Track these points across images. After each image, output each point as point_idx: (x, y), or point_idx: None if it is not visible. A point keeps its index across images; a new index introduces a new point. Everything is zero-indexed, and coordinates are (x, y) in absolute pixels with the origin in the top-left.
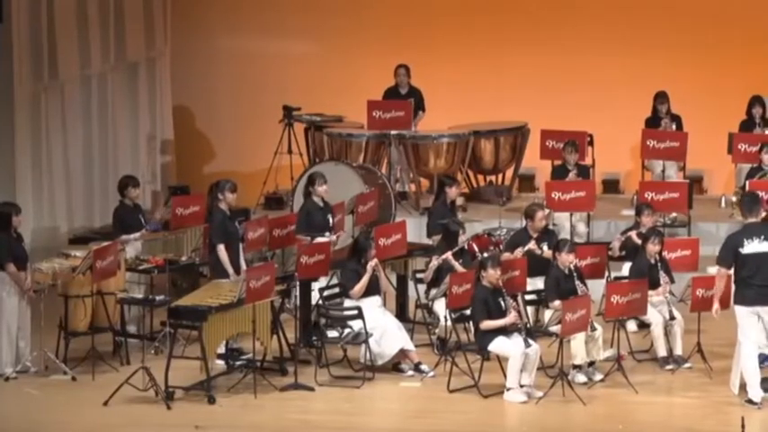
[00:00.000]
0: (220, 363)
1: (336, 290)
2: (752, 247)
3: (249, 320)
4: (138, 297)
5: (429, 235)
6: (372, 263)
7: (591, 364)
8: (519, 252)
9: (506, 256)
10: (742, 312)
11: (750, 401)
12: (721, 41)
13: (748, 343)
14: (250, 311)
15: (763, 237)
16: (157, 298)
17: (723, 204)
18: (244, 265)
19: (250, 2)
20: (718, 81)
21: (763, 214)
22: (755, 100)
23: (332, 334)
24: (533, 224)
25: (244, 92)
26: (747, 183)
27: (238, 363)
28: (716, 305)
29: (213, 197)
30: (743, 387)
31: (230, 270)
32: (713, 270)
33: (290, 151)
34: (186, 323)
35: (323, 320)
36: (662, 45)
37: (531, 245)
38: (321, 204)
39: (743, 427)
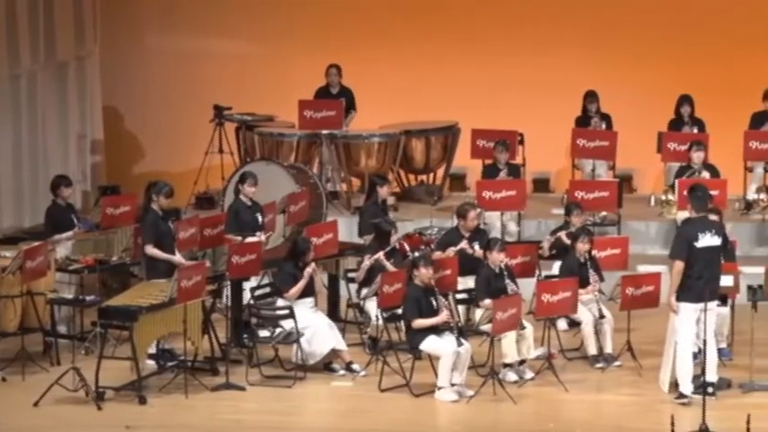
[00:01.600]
0: (151, 363)
1: (268, 289)
2: (705, 240)
3: (180, 320)
4: (69, 297)
5: (360, 234)
6: (310, 268)
7: (522, 362)
8: (451, 251)
9: (438, 255)
10: (687, 309)
11: (681, 395)
12: (650, 41)
13: (687, 340)
14: (181, 311)
15: (714, 231)
16: (88, 298)
17: (652, 203)
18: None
19: (181, 2)
20: (646, 80)
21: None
22: (684, 99)
23: (263, 334)
24: (465, 223)
25: (175, 91)
26: (677, 182)
27: (170, 363)
28: (673, 300)
29: (148, 197)
30: (672, 384)
31: (174, 258)
32: (643, 269)
33: (220, 151)
34: (117, 323)
35: (254, 320)
36: (591, 45)
37: (463, 244)
38: (249, 204)
39: (672, 424)
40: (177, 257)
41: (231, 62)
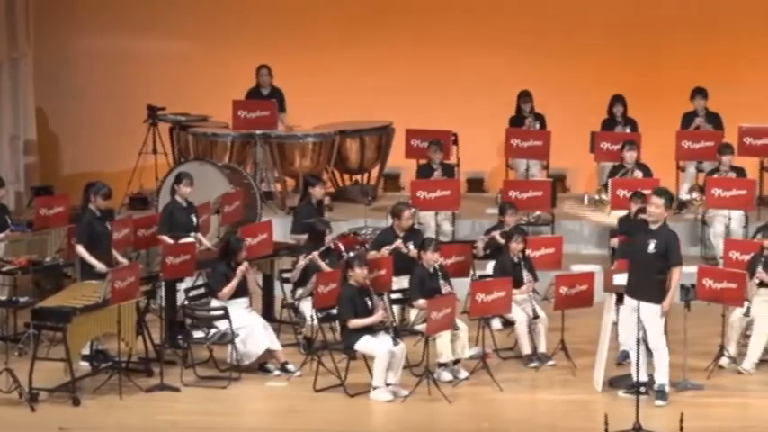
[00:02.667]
0: (85, 364)
1: (202, 290)
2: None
3: (114, 321)
4: (2, 298)
5: (292, 233)
6: (242, 267)
7: (456, 362)
8: (386, 251)
9: (373, 254)
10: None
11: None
12: (583, 41)
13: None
14: (115, 312)
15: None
16: (21, 299)
17: (586, 202)
18: (123, 262)
19: (115, 3)
20: (580, 80)
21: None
22: (616, 99)
23: (198, 334)
24: (400, 223)
25: (108, 92)
26: (610, 181)
27: (104, 364)
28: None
29: (86, 198)
30: (606, 384)
31: (98, 265)
32: (577, 268)
33: (154, 151)
34: (50, 324)
35: (188, 321)
36: (525, 45)
37: (398, 243)
38: (185, 204)
39: (606, 423)
40: (101, 265)
41: (165, 63)
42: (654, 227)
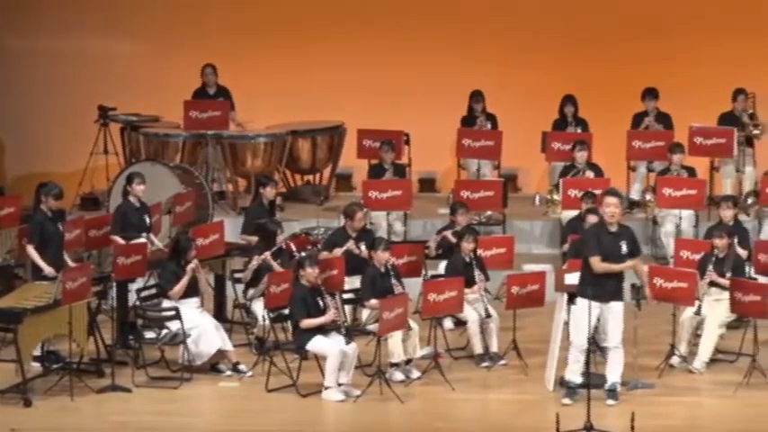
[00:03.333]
0: (36, 365)
1: (154, 290)
2: None
3: (65, 322)
4: None
5: (241, 233)
6: (192, 264)
7: (408, 362)
8: (338, 252)
9: (325, 255)
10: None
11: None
12: (535, 41)
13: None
14: (66, 313)
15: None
16: None
17: (537, 202)
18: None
19: (66, 2)
20: (531, 80)
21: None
22: (567, 99)
23: (149, 335)
24: (352, 223)
25: (59, 92)
26: (561, 181)
27: (55, 365)
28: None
29: (37, 198)
30: (557, 383)
31: (46, 268)
32: (529, 268)
33: (105, 152)
34: (1, 325)
35: (140, 321)
36: (476, 44)
37: (350, 244)
38: (138, 205)
39: (557, 422)
40: (49, 268)
41: (116, 63)
42: (614, 228)
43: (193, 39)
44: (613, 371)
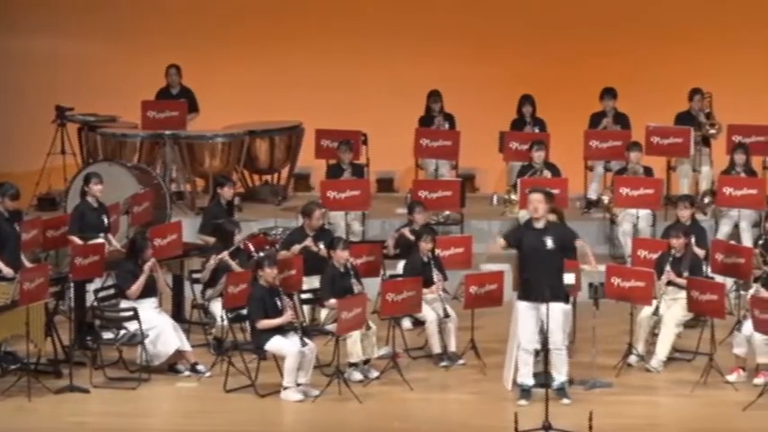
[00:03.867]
0: None
1: (112, 291)
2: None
3: (23, 322)
4: None
5: (198, 232)
6: (149, 263)
7: (366, 361)
8: (296, 249)
9: (283, 254)
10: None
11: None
12: (492, 41)
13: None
14: (23, 313)
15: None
16: None
17: (495, 202)
18: (27, 265)
19: (22, 2)
20: (489, 80)
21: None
22: (525, 99)
23: (107, 335)
24: (310, 222)
25: (15, 92)
26: (518, 181)
27: (12, 366)
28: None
29: None
30: (515, 382)
31: (4, 269)
32: (486, 267)
33: (63, 152)
34: None
35: (98, 322)
36: (434, 44)
37: (308, 242)
38: (95, 205)
39: (516, 422)
40: (7, 269)
41: (73, 63)
42: (540, 225)
43: (151, 39)
44: (559, 371)
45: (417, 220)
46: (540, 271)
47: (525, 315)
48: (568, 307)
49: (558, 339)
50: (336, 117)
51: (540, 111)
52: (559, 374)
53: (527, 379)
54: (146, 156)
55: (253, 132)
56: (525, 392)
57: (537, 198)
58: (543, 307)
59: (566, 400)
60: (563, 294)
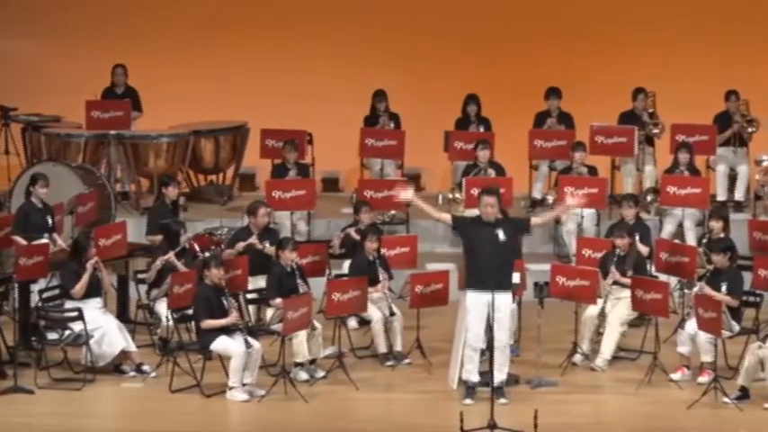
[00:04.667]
0: None
1: (56, 291)
2: None
3: None
4: None
5: (146, 234)
6: (92, 261)
7: (312, 361)
8: (240, 246)
9: (228, 252)
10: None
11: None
12: (437, 40)
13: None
14: None
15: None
16: None
17: (440, 201)
18: None
19: None
20: (434, 80)
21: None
22: (470, 98)
23: (52, 336)
24: (256, 221)
25: None
26: (463, 180)
27: None
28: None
29: None
30: (461, 382)
31: None
32: (432, 267)
33: (6, 152)
34: None
35: (42, 322)
36: (379, 44)
37: (253, 239)
38: (40, 205)
39: (461, 421)
40: None
41: (17, 63)
42: (491, 220)
43: (97, 38)
44: (500, 369)
45: (363, 220)
46: (492, 263)
47: (474, 311)
48: (514, 306)
49: (503, 337)
50: (281, 117)
51: (485, 110)
52: (500, 373)
53: (472, 376)
54: (90, 156)
55: (198, 132)
56: (470, 390)
57: (490, 201)
58: (491, 300)
59: (503, 400)
60: (510, 287)
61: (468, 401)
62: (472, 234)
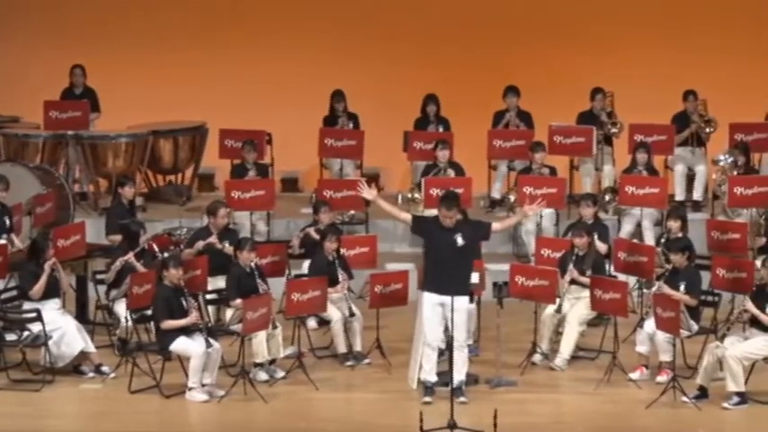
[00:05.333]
0: None
1: (14, 292)
2: None
3: None
4: None
5: (106, 235)
6: (50, 261)
7: (272, 361)
8: (200, 245)
9: (188, 252)
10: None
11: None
12: (396, 41)
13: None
14: None
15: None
16: None
17: (399, 201)
18: None
19: None
20: (393, 80)
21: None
22: (429, 98)
23: (10, 337)
24: (215, 221)
25: None
26: (423, 180)
27: None
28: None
29: None
30: (420, 382)
31: None
32: (392, 267)
33: None
34: None
35: (1, 323)
36: (338, 44)
37: (212, 239)
38: None
39: (421, 420)
40: None
41: None
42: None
43: (54, 38)
44: (459, 370)
45: (322, 220)
46: (450, 267)
47: (431, 312)
48: (473, 306)
49: (461, 337)
50: (240, 117)
51: (445, 110)
52: (458, 373)
53: (430, 376)
54: (48, 156)
55: (156, 132)
56: (429, 390)
57: (448, 214)
58: (448, 301)
59: (462, 399)
60: (468, 291)
61: (426, 399)
62: (430, 236)
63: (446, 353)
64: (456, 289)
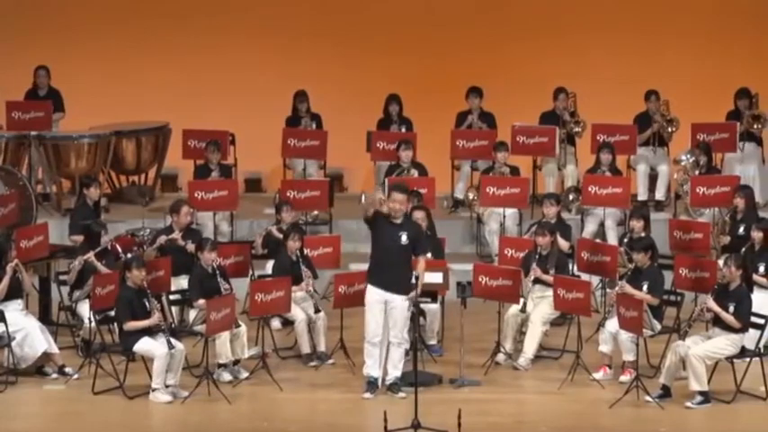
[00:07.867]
0: None
1: None
2: None
3: None
4: None
5: (69, 235)
6: (12, 263)
7: (236, 362)
8: (163, 239)
9: (150, 250)
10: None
11: None
12: (358, 40)
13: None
14: None
15: None
16: None
17: (363, 201)
18: None
19: None
20: (355, 80)
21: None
22: (392, 98)
23: None
24: (178, 219)
25: None
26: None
27: None
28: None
29: None
30: (383, 382)
31: None
32: (355, 267)
33: None
34: None
35: None
36: (300, 44)
37: (175, 235)
38: None
39: (385, 420)
40: None
41: None
42: (398, 220)
43: (17, 39)
44: (395, 366)
45: (285, 220)
46: (393, 263)
47: (372, 307)
48: (436, 306)
49: (398, 333)
50: (203, 117)
51: (407, 110)
52: (395, 369)
53: (373, 371)
54: (11, 157)
55: (119, 133)
56: (371, 385)
57: (400, 199)
58: (390, 298)
59: (402, 394)
60: (408, 289)
61: (367, 395)
62: (378, 229)
63: (410, 353)
64: (394, 284)
